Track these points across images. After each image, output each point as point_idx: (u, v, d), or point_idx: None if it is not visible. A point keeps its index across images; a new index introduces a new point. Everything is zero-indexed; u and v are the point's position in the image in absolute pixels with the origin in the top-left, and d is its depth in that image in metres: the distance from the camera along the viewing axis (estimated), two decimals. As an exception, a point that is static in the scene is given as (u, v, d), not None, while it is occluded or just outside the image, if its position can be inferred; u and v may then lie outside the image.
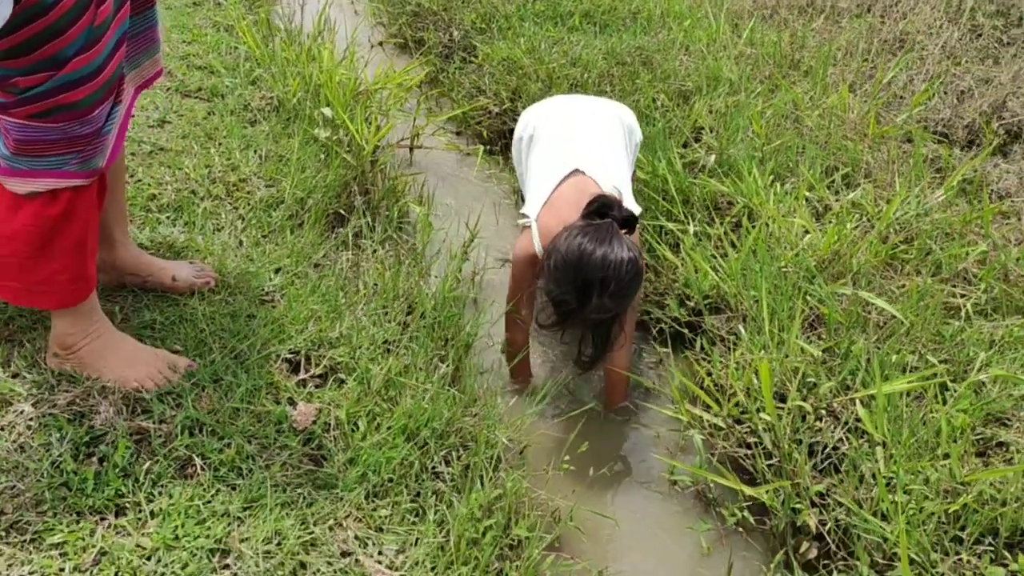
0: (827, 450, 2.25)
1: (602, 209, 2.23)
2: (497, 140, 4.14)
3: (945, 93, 3.89)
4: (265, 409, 2.01)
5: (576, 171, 2.49)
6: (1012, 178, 3.29)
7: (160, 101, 3.39)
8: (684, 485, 2.43)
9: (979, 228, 2.80)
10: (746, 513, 2.29)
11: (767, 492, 2.21)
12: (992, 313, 2.51)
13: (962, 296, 2.57)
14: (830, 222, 2.87)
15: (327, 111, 3.44)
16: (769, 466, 2.27)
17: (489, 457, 2.10)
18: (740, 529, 2.31)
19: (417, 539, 1.84)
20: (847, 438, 2.22)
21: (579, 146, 2.58)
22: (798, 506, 2.14)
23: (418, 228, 3.19)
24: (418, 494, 1.97)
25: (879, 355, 2.26)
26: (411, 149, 4.05)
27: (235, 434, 1.91)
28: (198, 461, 1.85)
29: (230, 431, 1.92)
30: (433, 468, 2.05)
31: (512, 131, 4.09)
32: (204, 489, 1.80)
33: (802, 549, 2.15)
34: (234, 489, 1.81)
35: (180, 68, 3.71)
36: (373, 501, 1.92)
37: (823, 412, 2.29)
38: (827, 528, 2.09)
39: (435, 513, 1.92)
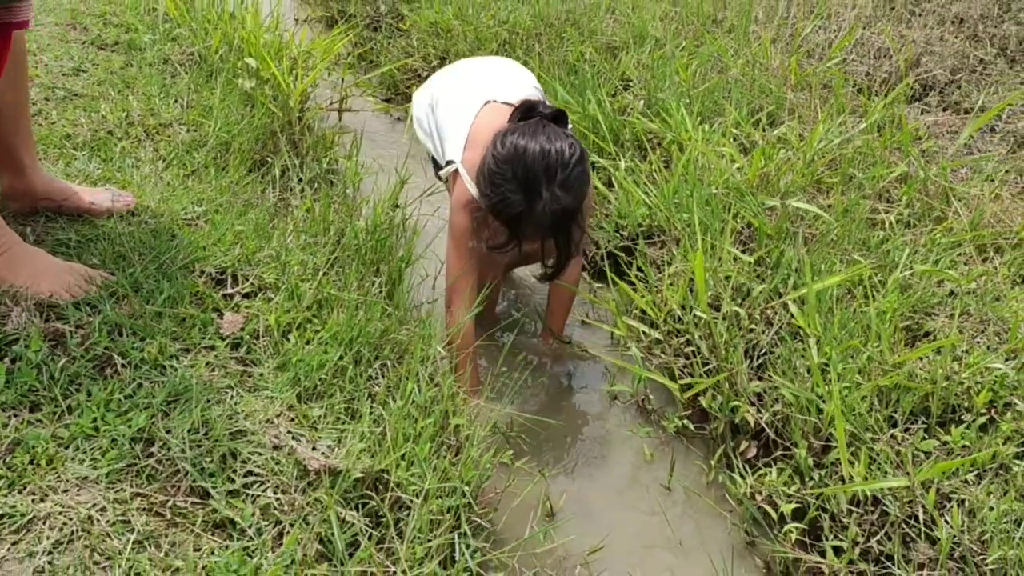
0: (763, 355, 2.26)
1: (527, 112, 2.14)
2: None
3: (863, 52, 4.00)
4: (189, 313, 1.93)
5: (487, 102, 2.34)
6: (929, 118, 3.39)
7: (75, 52, 3.28)
8: (625, 398, 2.41)
9: (899, 151, 2.87)
10: (686, 421, 2.28)
11: (706, 394, 2.20)
12: (916, 223, 2.57)
13: (885, 212, 2.62)
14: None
15: (251, 61, 3.37)
16: (707, 372, 2.27)
17: (424, 366, 2.05)
18: (681, 437, 2.30)
19: (352, 436, 1.78)
20: (781, 339, 2.23)
21: (482, 82, 2.43)
22: (736, 404, 2.14)
23: (346, 176, 3.13)
24: (353, 397, 1.91)
25: (808, 260, 2.29)
26: (340, 112, 4.00)
27: (157, 334, 1.83)
28: (118, 360, 1.76)
29: (152, 331, 1.83)
30: (368, 376, 1.99)
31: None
32: (124, 385, 1.71)
33: (742, 448, 2.15)
34: (157, 385, 1.73)
35: (96, 24, 3.60)
36: (306, 403, 1.85)
37: (757, 317, 2.30)
38: (764, 419, 2.09)
39: (370, 412, 1.86)
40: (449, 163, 2.32)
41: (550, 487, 2.13)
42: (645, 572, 1.95)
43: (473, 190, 2.21)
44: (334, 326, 2.02)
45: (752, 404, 2.16)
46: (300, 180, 2.85)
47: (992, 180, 2.67)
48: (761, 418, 2.10)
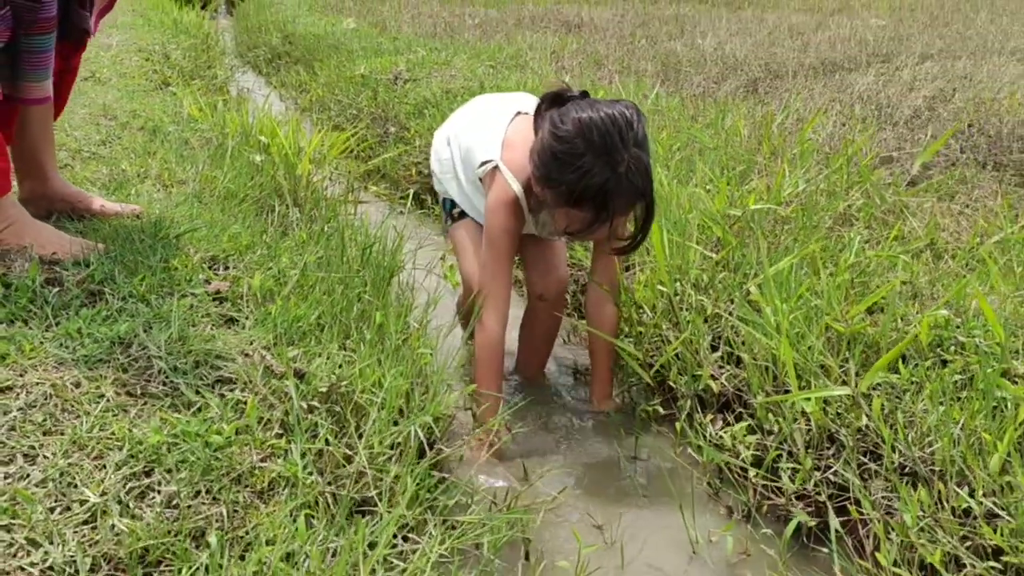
0: (724, 338, 2.35)
1: (557, 98, 2.04)
2: (426, 194, 4.40)
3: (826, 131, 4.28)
4: (177, 267, 2.08)
5: (518, 113, 2.26)
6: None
7: (103, 130, 3.61)
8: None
9: (860, 184, 3.06)
10: (656, 407, 2.35)
11: (671, 370, 2.28)
12: (876, 242, 2.71)
13: (845, 231, 2.77)
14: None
15: (263, 138, 3.68)
16: (677, 356, 2.35)
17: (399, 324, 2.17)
18: (652, 420, 2.35)
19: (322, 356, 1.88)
20: (741, 320, 2.33)
21: (504, 103, 2.37)
22: (698, 373, 2.22)
23: (345, 225, 3.34)
24: (331, 341, 2.01)
25: (766, 246, 2.42)
26: (350, 204, 4.27)
27: (146, 275, 1.98)
28: (108, 294, 1.90)
29: (142, 271, 1.98)
30: (347, 333, 2.11)
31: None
32: (112, 311, 1.85)
33: (707, 418, 2.21)
34: (140, 312, 1.86)
35: (125, 115, 3.96)
36: (285, 345, 1.96)
37: (720, 305, 2.41)
38: (723, 376, 2.16)
39: (347, 346, 1.96)
40: (485, 163, 2.20)
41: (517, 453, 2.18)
42: (607, 517, 1.97)
43: (516, 187, 2.12)
44: (317, 292, 2.16)
45: (713, 377, 2.23)
46: (298, 220, 3.06)
47: (938, 192, 2.84)
48: (721, 375, 2.16)
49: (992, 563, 1.51)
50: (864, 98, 5.79)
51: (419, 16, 10.53)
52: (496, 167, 2.17)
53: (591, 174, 1.88)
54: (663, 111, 4.56)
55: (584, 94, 2.05)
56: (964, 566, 1.54)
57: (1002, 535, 1.50)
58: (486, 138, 2.25)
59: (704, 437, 2.13)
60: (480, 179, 2.29)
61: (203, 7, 12.50)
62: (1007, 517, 1.53)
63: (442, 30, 9.17)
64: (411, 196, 4.09)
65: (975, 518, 1.57)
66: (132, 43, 6.46)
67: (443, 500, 1.73)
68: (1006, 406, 1.70)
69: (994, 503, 1.58)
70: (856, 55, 7.96)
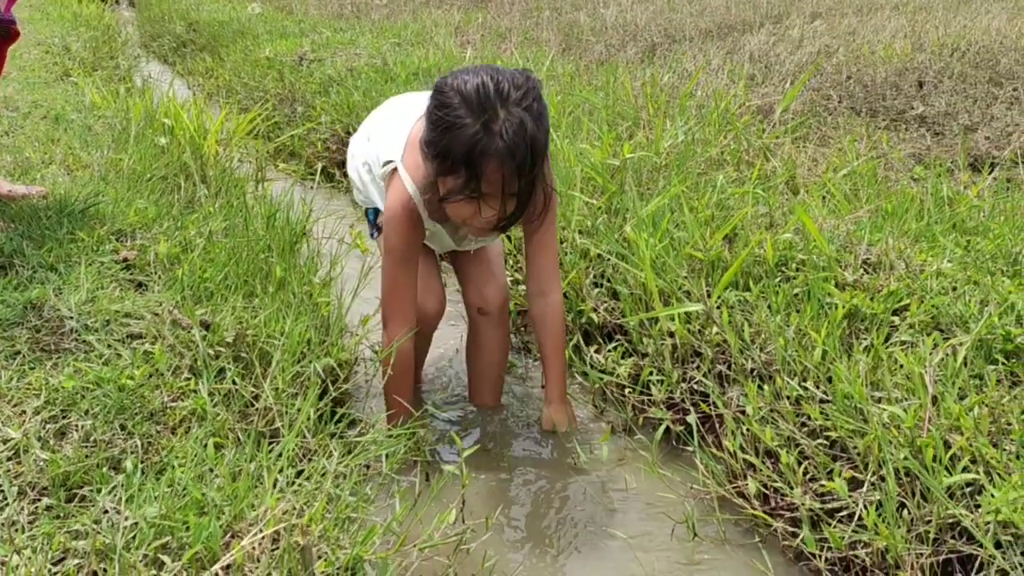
0: (606, 280, 2.57)
1: None
2: (334, 168, 4.53)
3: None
4: (83, 238, 2.20)
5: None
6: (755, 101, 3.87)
7: (4, 120, 3.65)
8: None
9: (732, 133, 3.30)
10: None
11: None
12: (742, 184, 2.96)
13: (717, 172, 3.02)
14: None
15: (167, 121, 3.77)
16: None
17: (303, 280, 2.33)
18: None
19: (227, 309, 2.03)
20: (617, 260, 2.55)
21: (417, 100, 2.10)
22: (581, 308, 2.43)
23: (255, 202, 3.46)
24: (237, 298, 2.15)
25: (637, 192, 2.64)
26: (257, 181, 4.38)
27: (54, 246, 2.10)
28: (17, 262, 2.02)
29: (50, 243, 2.10)
30: (252, 292, 2.25)
31: (343, 162, 4.54)
32: (22, 279, 1.97)
33: (592, 348, 2.42)
34: (50, 280, 1.98)
35: (26, 105, 4.00)
36: (192, 304, 2.10)
37: (601, 246, 2.63)
38: (603, 308, 2.38)
39: (253, 304, 2.11)
40: (388, 163, 2.04)
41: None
42: (503, 444, 2.17)
43: (411, 188, 1.95)
44: (223, 253, 2.30)
45: (595, 310, 2.45)
46: (205, 195, 3.18)
47: (795, 134, 3.09)
48: (601, 308, 2.38)
49: (820, 440, 1.75)
50: (754, 57, 6.08)
51: (325, -2, 10.54)
52: (395, 169, 2.01)
53: (460, 127, 1.72)
54: (559, 77, 4.76)
55: None
56: (800, 445, 1.78)
57: (826, 416, 1.75)
58: (391, 138, 2.07)
59: (588, 364, 2.34)
60: (383, 182, 2.11)
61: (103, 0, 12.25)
62: (829, 402, 1.78)
63: (349, 11, 9.22)
64: (319, 171, 4.22)
65: (806, 402, 1.81)
66: (30, 37, 6.39)
67: (345, 430, 1.90)
68: (834, 308, 1.95)
69: (824, 392, 1.83)
70: (750, 17, 8.29)
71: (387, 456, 1.78)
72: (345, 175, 4.56)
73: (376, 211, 2.24)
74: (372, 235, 2.29)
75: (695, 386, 2.10)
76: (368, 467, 1.86)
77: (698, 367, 2.12)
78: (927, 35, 6.39)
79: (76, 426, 1.55)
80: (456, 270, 2.35)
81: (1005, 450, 1.53)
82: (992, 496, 1.38)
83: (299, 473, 1.68)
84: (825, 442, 1.74)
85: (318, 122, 4.77)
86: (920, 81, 5.17)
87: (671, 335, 2.17)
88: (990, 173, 3.44)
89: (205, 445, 1.59)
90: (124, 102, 4.15)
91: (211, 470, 1.54)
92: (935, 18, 7.25)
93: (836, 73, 5.45)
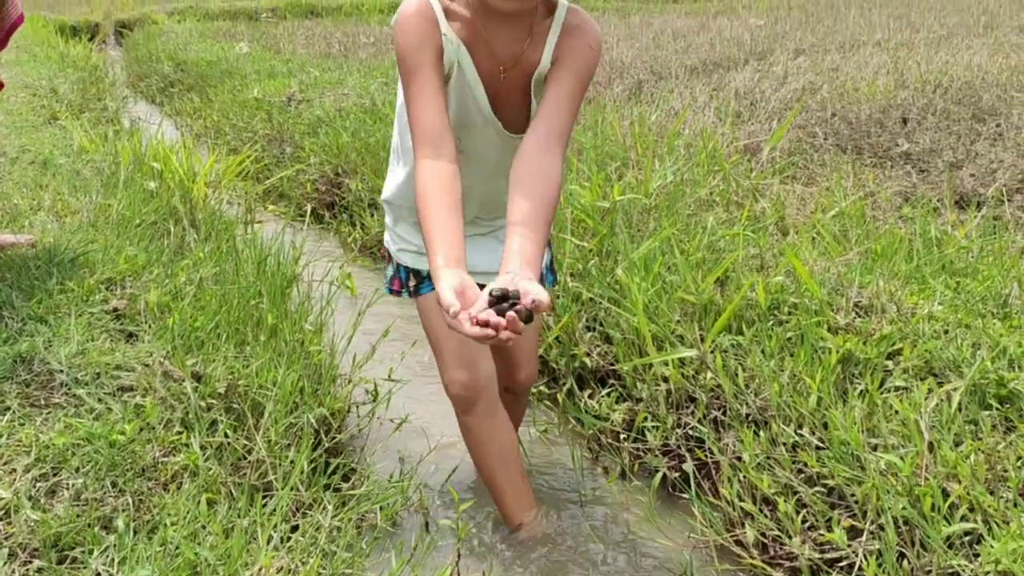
0: (598, 324, 2.57)
1: None
2: (324, 210, 4.53)
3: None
4: (73, 288, 2.19)
5: None
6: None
7: (-7, 166, 3.65)
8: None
9: (720, 173, 3.33)
10: (541, 387, 2.55)
11: (551, 352, 2.48)
12: (731, 225, 2.98)
13: (707, 213, 3.03)
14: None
15: (156, 164, 3.77)
16: (557, 339, 2.56)
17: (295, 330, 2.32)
18: (538, 400, 2.55)
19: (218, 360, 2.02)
20: (609, 304, 2.55)
21: None
22: (575, 352, 2.43)
23: (243, 242, 3.46)
24: (228, 347, 2.14)
25: (627, 236, 2.65)
26: (247, 224, 4.38)
27: (44, 297, 2.08)
28: (6, 314, 2.00)
29: (39, 294, 2.09)
30: (243, 340, 2.24)
31: (333, 203, 4.55)
32: (11, 332, 1.95)
33: (585, 393, 2.42)
34: (40, 332, 1.96)
35: (14, 150, 3.99)
36: (183, 354, 2.09)
37: (594, 290, 2.63)
38: (596, 353, 2.38)
39: (245, 352, 2.10)
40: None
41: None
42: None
43: None
44: (213, 301, 2.29)
45: (588, 355, 2.44)
46: (195, 240, 3.17)
47: (783, 174, 3.12)
48: (594, 352, 2.38)
49: (818, 487, 1.75)
50: (740, 94, 6.15)
51: (313, 37, 10.62)
52: None
53: None
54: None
55: None
56: (797, 492, 1.77)
57: (822, 463, 1.74)
58: None
59: (582, 409, 2.34)
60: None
61: (91, 39, 12.31)
62: (826, 449, 1.77)
63: (336, 50, 9.28)
64: (309, 212, 4.22)
65: (803, 449, 1.81)
66: (17, 80, 6.40)
67: (339, 482, 1.89)
68: (827, 354, 1.95)
69: (819, 438, 1.82)
70: (735, 54, 8.39)
71: (381, 508, 1.76)
72: (335, 216, 4.59)
73: (407, 270, 1.90)
74: (389, 289, 1.96)
75: (690, 431, 2.10)
76: (363, 519, 1.85)
77: (693, 412, 2.11)
78: (909, 72, 6.48)
79: (67, 484, 1.53)
80: (492, 350, 1.94)
81: (1002, 498, 1.53)
82: (991, 547, 1.38)
83: (294, 528, 1.66)
84: (823, 489, 1.74)
85: (307, 163, 4.78)
86: (904, 118, 5.23)
87: (665, 380, 2.17)
88: (977, 211, 3.47)
89: (198, 501, 1.57)
90: (112, 145, 4.16)
91: (204, 527, 1.52)
92: (917, 54, 7.36)
93: (821, 110, 5.51)
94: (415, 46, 1.57)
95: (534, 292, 1.28)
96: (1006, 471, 1.58)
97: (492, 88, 1.66)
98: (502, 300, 1.26)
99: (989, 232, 2.75)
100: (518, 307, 1.25)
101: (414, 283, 1.89)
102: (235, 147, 5.59)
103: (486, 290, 1.29)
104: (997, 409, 1.75)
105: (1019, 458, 1.59)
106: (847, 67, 7.16)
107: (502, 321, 1.24)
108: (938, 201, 3.56)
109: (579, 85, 1.61)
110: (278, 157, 5.27)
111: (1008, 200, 3.58)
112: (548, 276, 2.03)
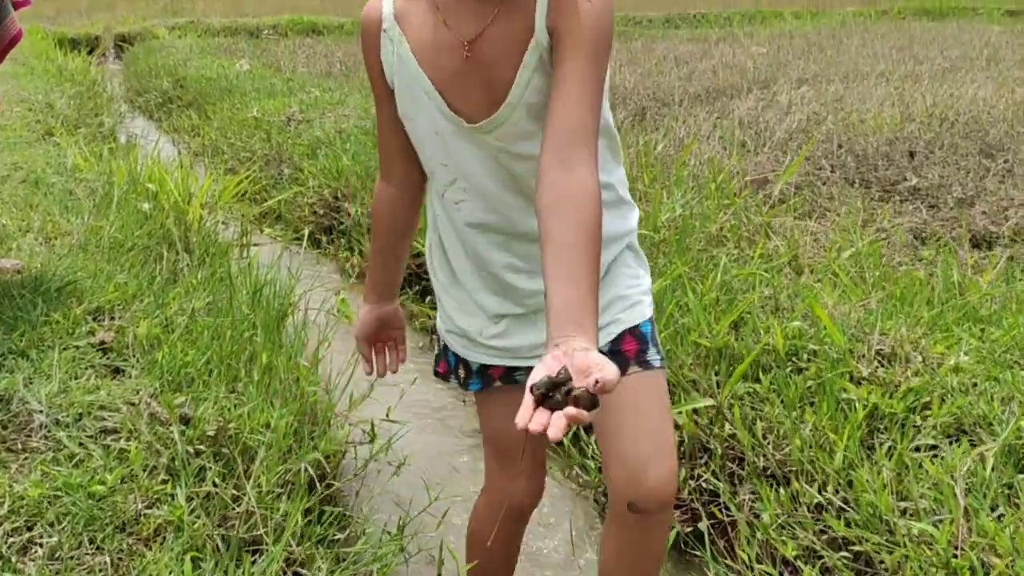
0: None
1: None
2: (322, 234, 4.43)
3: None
4: (58, 320, 2.08)
5: None
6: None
7: (-18, 184, 3.55)
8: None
9: (730, 208, 3.24)
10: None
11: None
12: (747, 261, 2.89)
13: (718, 250, 2.94)
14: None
15: (151, 185, 3.67)
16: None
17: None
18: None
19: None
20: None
21: None
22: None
23: (237, 270, 3.35)
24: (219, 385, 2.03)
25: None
26: (242, 247, 4.28)
27: (27, 330, 1.98)
28: (-13, 350, 1.90)
29: (22, 326, 1.98)
30: (235, 376, 2.13)
31: (332, 227, 4.45)
32: (-9, 368, 1.85)
33: (592, 438, 2.31)
34: (20, 367, 1.86)
35: (5, 168, 3.89)
36: (172, 392, 1.98)
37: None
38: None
39: (237, 389, 1.99)
40: None
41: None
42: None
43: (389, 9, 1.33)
44: (205, 331, 2.19)
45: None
46: (188, 265, 3.07)
47: (797, 212, 3.03)
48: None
49: (844, 553, 1.64)
50: (744, 123, 6.09)
51: (314, 56, 10.57)
52: None
53: None
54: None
55: None
56: (821, 557, 1.67)
57: (848, 526, 1.64)
58: None
59: (590, 457, 2.23)
60: None
61: (90, 52, 12.25)
62: (852, 511, 1.67)
63: (337, 69, 9.23)
64: (306, 236, 4.12)
65: (826, 510, 1.71)
66: (13, 94, 6.31)
67: (334, 533, 1.78)
68: (851, 407, 1.85)
69: (844, 499, 1.72)
70: (737, 82, 8.34)
71: (378, 567, 1.65)
72: (332, 240, 4.49)
73: (456, 357, 1.52)
74: (435, 371, 1.58)
75: (704, 483, 1.99)
76: None
77: (707, 464, 2.01)
78: (915, 104, 6.43)
79: (41, 540, 1.42)
80: (597, 431, 1.42)
81: (1045, 572, 1.43)
82: (1041, 632, 1.27)
83: (284, 587, 1.55)
84: (849, 555, 1.63)
85: (306, 186, 4.69)
86: (911, 151, 5.17)
87: (678, 428, 2.07)
88: (989, 250, 3.39)
89: (182, 560, 1.46)
90: (107, 164, 4.06)
91: (188, 590, 1.41)
92: (921, 86, 7.32)
93: (827, 142, 5.44)
94: (367, 63, 1.37)
95: (595, 366, 0.91)
96: (1047, 542, 1.48)
97: (450, 74, 1.28)
98: (552, 391, 0.91)
99: (1010, 275, 2.66)
100: (575, 393, 0.89)
101: (463, 375, 1.51)
102: (232, 167, 5.51)
103: (529, 382, 0.93)
104: (1033, 472, 1.65)
105: (1061, 529, 1.49)
106: (851, 98, 7.11)
107: (560, 426, 0.88)
108: (951, 237, 3.48)
109: (591, 61, 1.20)
110: (276, 178, 5.17)
111: (1021, 240, 3.50)
112: (652, 351, 1.38)
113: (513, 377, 1.46)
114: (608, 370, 0.91)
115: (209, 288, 2.68)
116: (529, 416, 0.90)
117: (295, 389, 2.12)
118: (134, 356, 2.08)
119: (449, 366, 1.54)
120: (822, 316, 1.99)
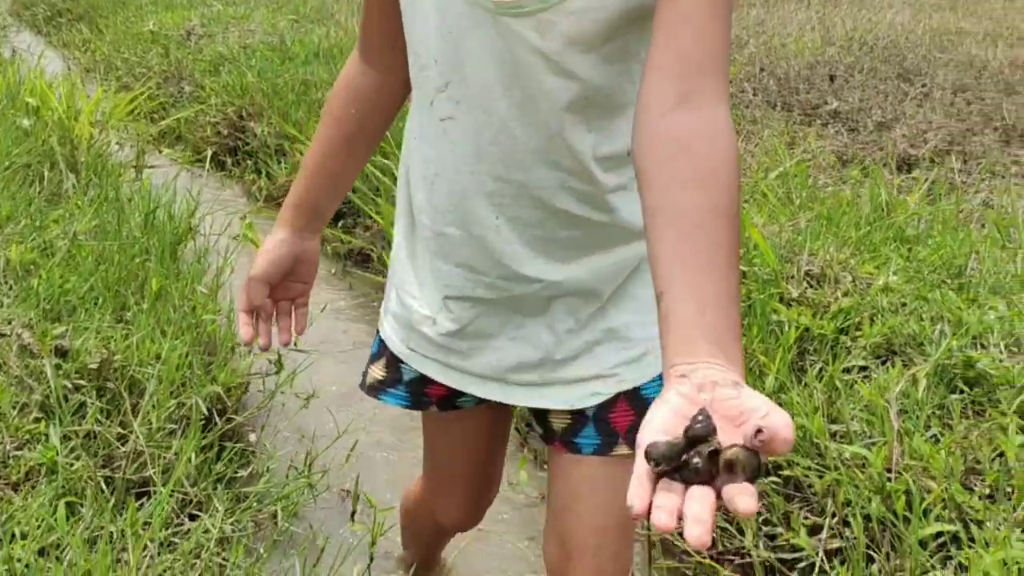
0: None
1: None
2: (226, 155, 4.17)
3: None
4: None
5: None
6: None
7: None
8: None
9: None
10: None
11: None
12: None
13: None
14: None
15: (32, 100, 3.36)
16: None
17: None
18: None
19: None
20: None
21: None
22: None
23: (131, 191, 3.10)
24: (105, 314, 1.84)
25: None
26: (138, 168, 3.99)
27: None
28: None
29: None
30: (124, 304, 1.95)
31: (237, 148, 4.18)
32: None
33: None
34: None
35: None
36: (49, 322, 1.78)
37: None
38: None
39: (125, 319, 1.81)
40: None
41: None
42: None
43: None
44: (87, 268, 1.99)
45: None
46: (74, 187, 2.82)
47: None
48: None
49: (774, 477, 1.58)
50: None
51: (218, -31, 9.97)
52: None
53: None
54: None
55: None
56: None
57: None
58: None
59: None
60: None
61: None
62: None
63: (243, -17, 8.71)
64: (209, 157, 3.86)
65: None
66: None
67: (235, 471, 1.64)
68: (782, 330, 1.78)
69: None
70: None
71: (284, 506, 1.53)
72: (238, 162, 4.22)
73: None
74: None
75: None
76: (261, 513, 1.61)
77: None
78: (835, 28, 6.40)
79: None
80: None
81: (978, 494, 1.39)
82: (980, 555, 1.23)
83: (177, 534, 1.41)
84: (779, 480, 1.57)
85: (208, 104, 4.39)
86: (831, 75, 5.14)
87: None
88: (909, 173, 3.38)
89: (55, 507, 1.30)
90: (-18, 77, 3.71)
91: (62, 539, 1.26)
92: (841, 11, 7.30)
93: (749, 65, 5.37)
94: None
95: (751, 410, 0.56)
96: (979, 463, 1.45)
97: None
98: (689, 449, 0.54)
99: (936, 196, 2.63)
100: (728, 457, 0.53)
101: (383, 376, 1.10)
102: (127, 83, 5.14)
103: (641, 442, 0.56)
104: (966, 392, 1.61)
105: (994, 449, 1.45)
106: (772, 22, 7.05)
107: (706, 519, 0.51)
108: (871, 160, 3.46)
109: None
110: (175, 96, 4.84)
111: (939, 162, 3.50)
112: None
113: (454, 403, 1.07)
114: (775, 417, 0.55)
115: (96, 210, 2.46)
116: (647, 499, 0.53)
117: (191, 318, 1.95)
118: (7, 283, 1.87)
119: (372, 358, 1.12)
120: (756, 237, 1.91)
